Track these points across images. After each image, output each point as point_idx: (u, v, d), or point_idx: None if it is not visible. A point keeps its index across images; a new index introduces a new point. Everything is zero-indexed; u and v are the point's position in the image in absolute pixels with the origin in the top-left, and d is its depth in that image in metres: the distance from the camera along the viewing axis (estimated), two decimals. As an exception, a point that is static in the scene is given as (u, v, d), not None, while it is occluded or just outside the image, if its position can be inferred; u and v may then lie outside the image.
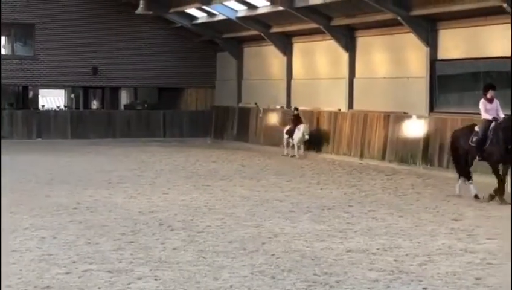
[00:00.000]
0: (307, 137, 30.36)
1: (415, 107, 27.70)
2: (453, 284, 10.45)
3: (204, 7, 35.58)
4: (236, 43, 39.47)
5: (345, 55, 31.69)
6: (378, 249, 12.84)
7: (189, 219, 15.72)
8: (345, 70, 31.82)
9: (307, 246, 13.00)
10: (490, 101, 18.71)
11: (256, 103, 36.76)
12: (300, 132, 30.36)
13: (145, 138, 38.27)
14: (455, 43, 26.71)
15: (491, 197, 18.39)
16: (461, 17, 25.65)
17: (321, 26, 31.21)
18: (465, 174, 19.35)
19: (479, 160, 18.89)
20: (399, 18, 27.08)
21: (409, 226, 15.16)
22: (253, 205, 17.72)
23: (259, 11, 33.57)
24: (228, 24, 36.38)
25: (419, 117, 26.91)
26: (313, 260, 11.93)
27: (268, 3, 32.42)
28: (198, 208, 17.20)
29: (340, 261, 11.84)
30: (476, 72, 26.43)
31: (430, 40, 27.32)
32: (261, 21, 34.89)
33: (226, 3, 34.25)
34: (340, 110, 31.62)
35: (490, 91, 18.80)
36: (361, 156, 29.08)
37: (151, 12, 36.64)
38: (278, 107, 35.72)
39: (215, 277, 10.72)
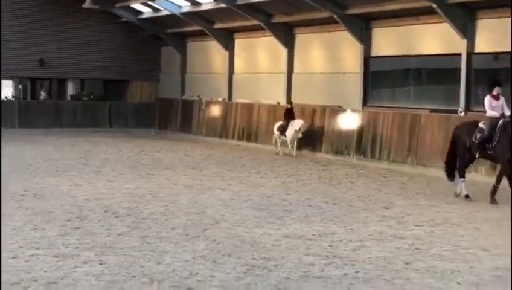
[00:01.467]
0: (300, 135, 27.32)
1: (349, 102, 27.99)
2: (383, 268, 10.59)
3: (150, 2, 35.35)
4: (180, 38, 39.31)
5: (284, 51, 31.85)
6: (314, 235, 12.94)
7: (134, 206, 15.64)
8: (284, 66, 32.00)
9: (247, 232, 13.05)
10: (496, 98, 17.37)
11: (199, 96, 36.71)
12: (293, 128, 27.25)
13: (91, 128, 37.89)
14: (388, 41, 27.04)
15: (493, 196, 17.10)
16: (394, 17, 25.98)
17: (262, 23, 31.31)
18: (461, 170, 17.96)
19: (477, 157, 17.77)
20: (335, 16, 27.31)
21: (343, 213, 15.30)
22: (195, 193, 17.70)
23: (203, 8, 33.48)
24: (172, 19, 36.22)
25: (353, 111, 27.15)
26: (252, 245, 11.98)
27: (212, 0, 32.36)
28: (142, 195, 17.11)
29: (277, 247, 11.90)
30: (407, 69, 26.84)
31: (364, 38, 27.62)
32: (204, 17, 34.82)
33: (170, -1, 34.18)
34: (279, 103, 31.72)
35: (496, 88, 17.44)
36: (299, 147, 29.21)
37: (97, 7, 36.30)
38: (220, 99, 35.74)
39: (158, 262, 10.70)
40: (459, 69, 23.85)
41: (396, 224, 14.20)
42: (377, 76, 27.92)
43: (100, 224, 13.53)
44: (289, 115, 27.82)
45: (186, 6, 34.46)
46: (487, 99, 17.39)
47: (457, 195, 17.90)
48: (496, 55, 23.61)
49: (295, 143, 27.50)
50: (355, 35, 27.57)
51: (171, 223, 13.75)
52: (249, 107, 32.91)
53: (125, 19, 39.10)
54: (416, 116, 24.37)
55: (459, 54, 23.80)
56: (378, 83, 27.91)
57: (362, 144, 26.30)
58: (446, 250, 11.89)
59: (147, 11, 37.71)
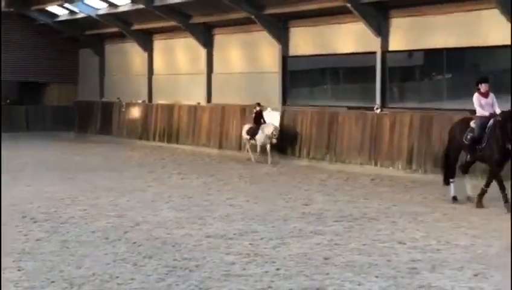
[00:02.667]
0: (274, 140, 24.92)
1: (268, 100, 28.11)
2: (303, 264, 10.66)
3: (66, 5, 34.81)
4: (98, 40, 38.87)
5: (203, 52, 31.82)
6: (235, 234, 12.93)
7: (53, 210, 15.35)
8: (203, 66, 31.98)
9: (168, 234, 12.96)
10: (485, 95, 15.95)
11: (118, 98, 36.34)
12: (265, 133, 25.02)
13: (8, 133, 37.05)
14: (305, 41, 27.28)
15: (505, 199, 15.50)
16: (310, 16, 26.24)
17: (180, 24, 31.19)
18: (451, 170, 16.80)
19: (469, 160, 16.54)
20: (253, 17, 27.40)
21: (264, 211, 15.33)
22: (116, 196, 17.49)
23: (120, 9, 33.18)
24: (90, 21, 35.78)
25: (273, 109, 27.26)
26: (173, 246, 11.91)
27: (129, 1, 32.07)
28: (61, 199, 16.81)
29: (199, 247, 11.86)
30: (324, 68, 27.14)
31: (282, 38, 27.80)
32: (121, 19, 34.50)
33: (87, 1, 33.68)
34: (199, 103, 31.68)
35: (483, 84, 15.95)
36: (220, 146, 29.23)
37: (12, 9, 35.58)
38: (140, 101, 35.45)
39: (78, 266, 10.53)
40: (374, 67, 24.25)
41: (316, 220, 14.29)
42: (296, 75, 28.13)
43: (18, 230, 13.24)
44: (258, 118, 25.79)
45: (103, 8, 34.07)
46: (475, 97, 16.02)
47: (452, 198, 16.55)
48: (409, 53, 24.08)
49: (269, 149, 25.16)
50: (273, 35, 27.74)
51: (91, 227, 13.55)
52: (169, 108, 32.71)
53: (42, 22, 38.42)
54: (334, 114, 24.65)
55: (374, 53, 24.19)
56: (296, 81, 28.13)
57: (282, 142, 26.42)
58: (364, 244, 12.03)
59: (63, 14, 37.14)
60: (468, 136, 16.06)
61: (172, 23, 31.47)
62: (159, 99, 34.51)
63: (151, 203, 16.41)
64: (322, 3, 24.57)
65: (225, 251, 11.51)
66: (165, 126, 32.71)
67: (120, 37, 35.94)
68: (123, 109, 35.79)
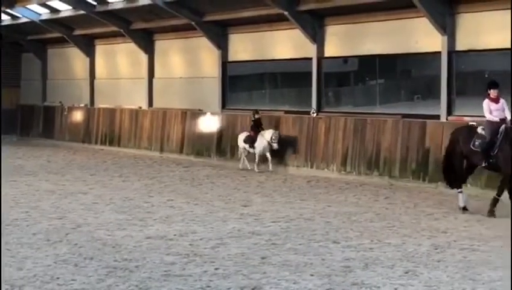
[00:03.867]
0: (275, 146, 23.13)
1: (209, 105, 28.12)
2: (241, 263, 10.68)
3: (8, 10, 34.20)
4: (40, 44, 38.26)
5: (144, 57, 31.61)
6: (175, 235, 12.90)
7: (-6, 213, 15.09)
8: (144, 71, 31.75)
9: (109, 235, 12.85)
10: (495, 100, 15.00)
11: (61, 102, 35.88)
12: (265, 139, 23.28)
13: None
14: (244, 47, 27.31)
15: None
16: (249, 23, 26.25)
17: (121, 30, 30.94)
18: (458, 181, 15.74)
19: (484, 166, 15.26)
20: (193, 23, 27.33)
21: (204, 213, 15.34)
22: (57, 198, 17.29)
23: (62, 14, 32.69)
24: (32, 26, 35.19)
25: (213, 114, 27.30)
26: (114, 247, 11.81)
27: (71, 7, 31.67)
28: (3, 202, 16.52)
29: (139, 248, 11.79)
30: (263, 73, 27.21)
31: (222, 44, 27.79)
32: (64, 24, 34.03)
33: (29, 6, 33.16)
34: (141, 107, 31.48)
35: (493, 90, 14.99)
36: (161, 150, 29.11)
37: (-46, 15, 34.83)
38: (82, 105, 35.06)
39: (19, 268, 10.37)
40: (310, 73, 24.38)
41: (254, 221, 14.36)
42: (235, 80, 28.16)
43: (-41, 233, 12.98)
44: (256, 125, 23.91)
45: (46, 14, 33.58)
46: (485, 103, 15.04)
47: (461, 209, 15.54)
48: (344, 59, 24.30)
49: (269, 156, 23.40)
50: (212, 41, 27.70)
51: (33, 229, 13.36)
52: (111, 112, 32.46)
53: (-17, 26, 37.69)
54: (272, 118, 24.76)
55: (310, 59, 24.33)
56: (236, 86, 28.16)
57: (222, 145, 26.47)
58: (300, 244, 12.11)
59: (5, 19, 36.46)
60: (477, 143, 14.98)
61: (113, 28, 31.19)
62: (101, 104, 34.16)
63: (92, 205, 16.26)
64: (260, 10, 24.63)
65: (165, 252, 11.47)
66: (107, 130, 32.44)
67: (62, 41, 35.44)
68: (65, 113, 35.35)
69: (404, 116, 21.30)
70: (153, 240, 12.44)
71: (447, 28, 20.26)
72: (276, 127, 24.21)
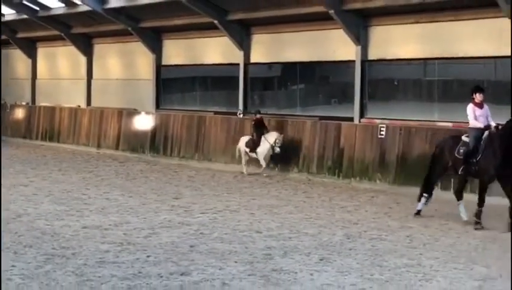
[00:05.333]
0: (278, 150, 20.50)
1: (143, 105, 27.90)
2: (171, 251, 10.63)
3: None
4: (-16, 46, 37.31)
5: (83, 59, 31.16)
6: (110, 225, 12.76)
7: None
8: (83, 73, 31.31)
9: (47, 225, 12.62)
10: (479, 105, 13.64)
11: (4, 100, 35.06)
12: (268, 143, 20.63)
13: None
14: (177, 52, 27.19)
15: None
16: (182, 30, 26.16)
17: (62, 34, 30.43)
18: (429, 190, 14.46)
19: (460, 173, 13.79)
20: (130, 29, 27.07)
21: (137, 204, 15.20)
22: (-1, 190, 16.87)
23: (6, 18, 31.93)
24: (-23, 28, 34.29)
25: (147, 113, 27.08)
26: (52, 236, 11.61)
27: (14, 11, 30.97)
28: None
29: (76, 237, 11.62)
30: (194, 76, 27.14)
31: (156, 49, 27.61)
32: (7, 27, 33.23)
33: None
34: (79, 106, 31.02)
35: (478, 94, 13.65)
36: (99, 146, 28.72)
37: None
38: (24, 103, 34.38)
39: (-39, 255, 10.10)
40: (237, 77, 24.44)
41: (184, 212, 14.31)
42: (168, 82, 28.00)
43: None
44: (259, 127, 21.15)
45: (-10, 17, 32.75)
46: (470, 108, 13.67)
47: (417, 213, 14.39)
48: (268, 65, 24.43)
49: (268, 158, 20.91)
50: (147, 46, 27.50)
51: (-25, 219, 13.01)
52: (51, 110, 31.89)
53: None
54: (202, 118, 24.73)
55: (238, 64, 24.38)
56: (169, 88, 28.00)
57: (155, 142, 26.28)
58: (226, 233, 12.14)
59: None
60: (461, 150, 13.65)
61: (54, 32, 30.64)
62: (42, 102, 33.53)
63: (32, 197, 15.95)
64: (192, 19, 24.55)
65: (100, 240, 11.34)
66: (48, 127, 31.84)
67: (6, 44, 34.62)
68: (8, 110, 34.55)
69: (322, 118, 21.56)
70: (89, 229, 12.27)
71: (361, 39, 20.59)
72: (197, 127, 24.26)
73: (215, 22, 23.68)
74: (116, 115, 28.27)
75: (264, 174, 20.75)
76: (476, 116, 13.59)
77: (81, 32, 30.27)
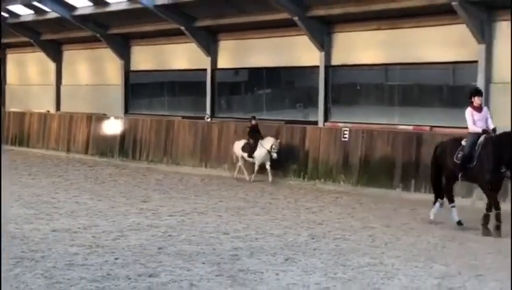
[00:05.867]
0: (275, 155, 19.83)
1: (113, 110, 27.70)
2: (139, 253, 10.54)
3: None
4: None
5: (52, 66, 30.88)
6: (79, 228, 12.61)
7: None
8: (53, 78, 31.02)
9: (17, 228, 12.43)
10: (478, 109, 13.11)
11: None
12: (265, 148, 20.00)
13: None
14: (145, 58, 27.07)
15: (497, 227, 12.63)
16: (150, 37, 26.05)
17: (32, 40, 30.12)
18: (447, 195, 13.80)
19: (461, 180, 13.47)
20: (98, 35, 26.89)
21: (106, 208, 15.07)
22: (-32, 195, 16.59)
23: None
24: None
25: (116, 118, 26.90)
26: (22, 239, 11.43)
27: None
28: None
29: (45, 240, 11.47)
30: (162, 82, 27.03)
31: (125, 55, 27.46)
32: (-23, 33, 32.86)
33: None
34: (49, 111, 30.72)
35: (476, 98, 13.10)
36: (68, 150, 28.47)
37: None
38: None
39: None
40: (205, 82, 24.40)
41: (153, 215, 14.22)
42: (137, 88, 27.85)
43: None
44: (255, 132, 20.65)
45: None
46: (468, 112, 13.13)
47: (459, 223, 13.50)
48: (235, 70, 24.43)
49: (268, 166, 20.16)
50: (116, 52, 27.34)
51: None
52: (21, 115, 31.54)
53: None
54: (170, 122, 24.65)
55: (205, 70, 24.35)
56: (137, 93, 27.85)
57: (124, 146, 26.12)
58: (194, 235, 12.08)
59: None
60: (459, 155, 13.21)
61: (24, 39, 30.32)
62: (12, 107, 33.12)
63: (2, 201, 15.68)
64: (160, 25, 24.46)
65: (69, 243, 11.21)
66: (17, 132, 31.49)
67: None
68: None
69: (288, 122, 21.61)
70: (58, 232, 12.12)
71: (324, 45, 20.70)
72: (166, 132, 24.19)
73: (183, 28, 23.62)
74: (85, 120, 28.05)
75: (251, 180, 20.31)
76: (474, 120, 13.07)
77: (51, 39, 30.00)
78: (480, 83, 17.20)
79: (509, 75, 16.79)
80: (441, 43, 18.16)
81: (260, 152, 20.11)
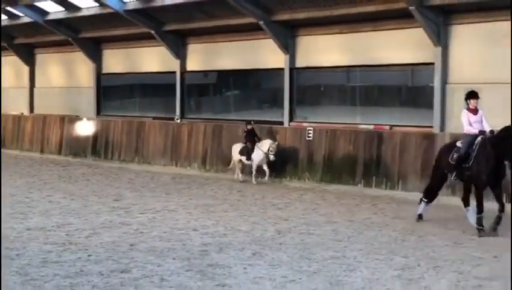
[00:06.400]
0: (272, 157, 19.21)
1: (85, 111, 27.49)
2: (112, 250, 10.49)
3: None
4: None
5: (26, 69, 30.54)
6: (53, 226, 12.51)
7: None
8: (26, 81, 30.67)
9: (-8, 228, 12.29)
10: (474, 111, 12.75)
11: None
12: (262, 151, 19.43)
13: None
14: (117, 61, 26.89)
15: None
16: (121, 40, 25.88)
17: (5, 44, 29.73)
18: (434, 194, 13.58)
19: (454, 179, 13.02)
20: (70, 39, 26.67)
21: (79, 206, 14.95)
22: None
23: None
24: None
25: (88, 119, 26.69)
26: (-4, 238, 11.32)
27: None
28: None
29: (20, 238, 11.35)
30: (133, 84, 26.87)
31: (97, 58, 27.27)
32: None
33: None
34: (23, 113, 30.36)
35: (472, 100, 12.73)
36: (42, 151, 28.18)
37: None
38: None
39: None
40: (174, 85, 24.32)
41: (125, 213, 14.14)
42: (108, 90, 27.66)
43: None
44: (251, 136, 20.06)
45: None
46: (464, 114, 12.81)
47: (418, 216, 13.49)
48: (204, 73, 24.39)
49: (266, 168, 19.55)
50: (88, 56, 27.13)
51: None
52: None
53: None
54: (141, 123, 24.52)
55: (174, 72, 24.28)
56: (109, 95, 27.67)
57: (97, 147, 25.93)
58: (164, 232, 12.05)
59: None
60: (454, 156, 12.78)
61: (-2, 43, 30.00)
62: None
63: (-24, 201, 15.47)
64: (131, 29, 24.31)
65: (43, 241, 11.11)
66: (-8, 133, 31.08)
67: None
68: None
69: (255, 122, 21.62)
70: (32, 231, 12.01)
71: (289, 48, 20.77)
72: (137, 132, 24.08)
73: (153, 32, 23.52)
74: (58, 121, 27.80)
75: (255, 182, 19.56)
76: (470, 122, 12.69)
77: (24, 43, 29.67)
78: (436, 84, 17.45)
79: (463, 76, 17.06)
80: (399, 46, 18.35)
81: (257, 154, 19.58)
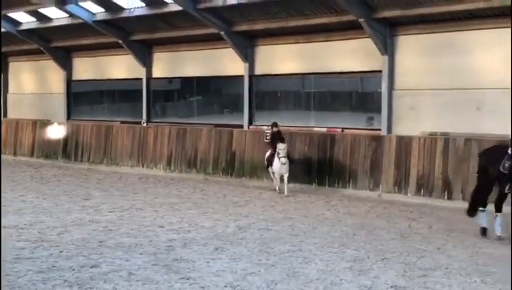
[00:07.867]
0: (283, 161, 16.37)
1: (56, 116, 27.11)
2: (82, 247, 10.32)
3: None
4: None
5: (-1, 76, 30.00)
6: (26, 224, 12.25)
7: None
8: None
9: (-34, 227, 11.99)
10: None
11: None
12: (277, 157, 16.59)
13: None
14: (86, 68, 26.58)
15: None
16: (90, 49, 25.59)
17: (-22, 52, 29.15)
18: (483, 203, 11.36)
19: (508, 192, 10.91)
20: (42, 48, 26.26)
21: (51, 205, 14.69)
22: None
23: None
24: None
25: (59, 123, 26.30)
26: (-29, 237, 11.03)
27: None
28: None
29: (-6, 236, 11.10)
30: (102, 90, 26.59)
31: (67, 65, 26.93)
32: None
33: None
34: (-3, 118, 29.83)
35: None
36: (15, 153, 27.66)
37: None
38: None
39: None
40: (141, 90, 24.14)
41: (94, 212, 13.94)
42: (78, 96, 27.32)
43: None
44: (275, 140, 16.87)
45: None
46: None
47: (483, 233, 11.39)
48: (169, 79, 24.25)
49: (285, 178, 16.66)
50: (58, 63, 26.78)
51: None
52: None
53: None
54: (109, 127, 24.24)
55: (141, 79, 24.10)
56: (79, 101, 27.32)
57: (67, 149, 25.55)
58: (132, 229, 11.91)
59: None
60: (506, 165, 10.72)
61: (-28, 51, 29.37)
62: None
63: (-48, 202, 15.08)
64: (99, 39, 24.06)
65: (16, 239, 10.86)
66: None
67: None
68: None
69: (216, 125, 21.60)
70: (6, 229, 11.72)
71: (248, 57, 20.78)
72: (105, 135, 23.81)
73: (120, 41, 23.31)
74: (30, 126, 27.32)
75: (283, 195, 16.39)
76: None
77: (-4, 51, 29.12)
78: (384, 90, 17.64)
79: (408, 83, 17.29)
80: (350, 55, 18.50)
81: (276, 163, 16.66)
